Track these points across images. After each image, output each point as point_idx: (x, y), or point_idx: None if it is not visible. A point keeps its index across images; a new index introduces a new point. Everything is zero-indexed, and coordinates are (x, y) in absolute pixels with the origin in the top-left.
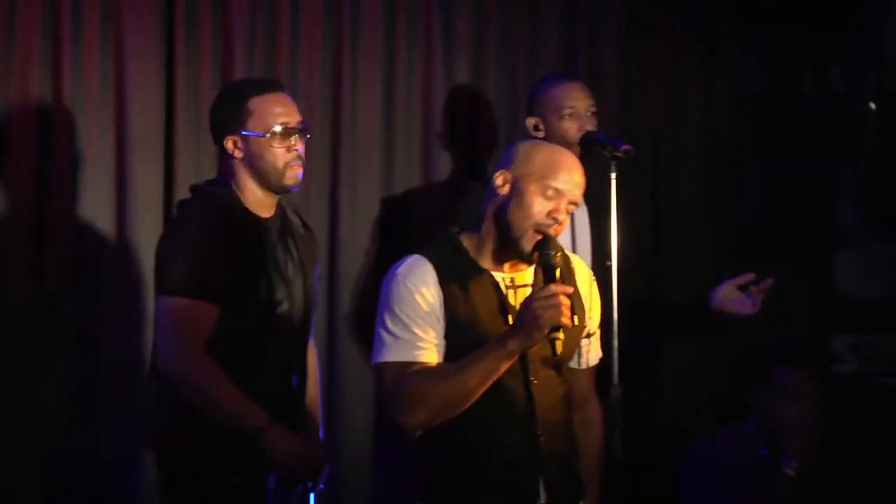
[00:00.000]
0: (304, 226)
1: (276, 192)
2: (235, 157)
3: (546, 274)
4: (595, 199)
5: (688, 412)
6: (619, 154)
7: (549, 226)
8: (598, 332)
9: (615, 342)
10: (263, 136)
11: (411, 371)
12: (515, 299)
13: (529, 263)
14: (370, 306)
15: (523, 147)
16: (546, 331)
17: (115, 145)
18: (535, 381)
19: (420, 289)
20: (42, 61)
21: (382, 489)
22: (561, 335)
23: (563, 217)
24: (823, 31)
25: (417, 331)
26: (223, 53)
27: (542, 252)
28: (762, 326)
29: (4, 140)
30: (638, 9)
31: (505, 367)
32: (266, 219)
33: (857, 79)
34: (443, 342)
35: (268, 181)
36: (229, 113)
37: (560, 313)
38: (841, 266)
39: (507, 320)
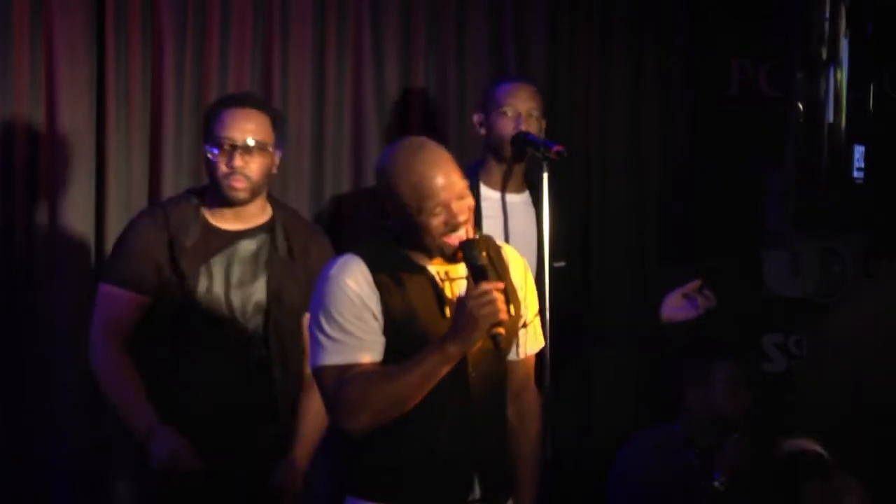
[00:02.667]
0: (290, 252)
1: (227, 204)
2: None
3: (475, 275)
4: (538, 198)
5: (617, 412)
6: (550, 155)
7: (454, 233)
8: (536, 321)
9: (546, 342)
10: (210, 150)
11: (352, 374)
12: (452, 292)
13: (458, 262)
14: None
15: (391, 170)
16: (486, 329)
17: (47, 145)
18: (474, 374)
19: (353, 288)
20: None
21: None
22: (502, 330)
23: (463, 218)
24: (750, 32)
25: (354, 331)
26: (153, 54)
27: (466, 254)
28: (692, 328)
29: None
30: (565, 10)
31: (446, 370)
32: (225, 230)
33: (784, 79)
34: (381, 339)
35: (216, 192)
36: (206, 123)
37: (497, 309)
38: (768, 266)
39: (444, 313)
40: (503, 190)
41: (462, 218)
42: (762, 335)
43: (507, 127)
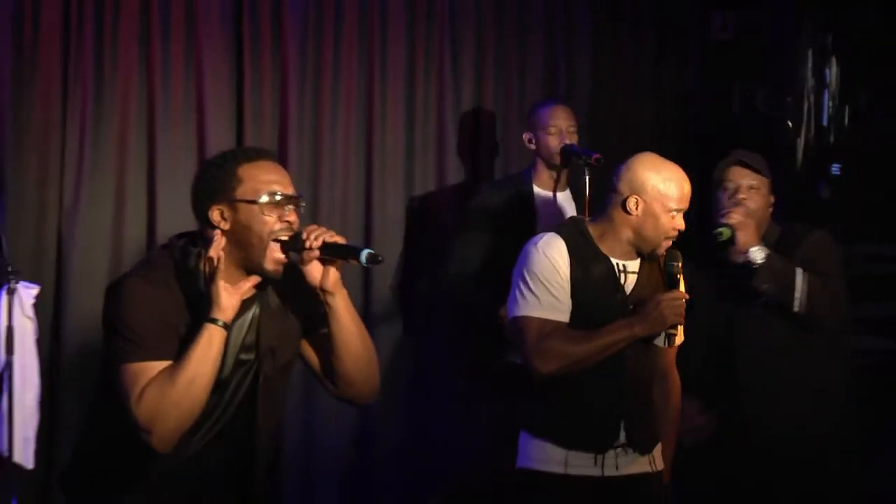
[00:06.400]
0: (282, 303)
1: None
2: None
3: (670, 280)
4: (576, 194)
5: None
6: (591, 162)
7: (676, 236)
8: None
9: None
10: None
11: (551, 328)
12: (626, 281)
13: (651, 261)
14: (399, 288)
15: (643, 173)
16: (667, 326)
17: (196, 150)
18: (631, 351)
19: (556, 259)
20: (139, 82)
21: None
22: (678, 332)
23: (680, 228)
24: (750, 61)
25: (555, 293)
26: (280, 78)
27: (668, 262)
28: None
29: (111, 142)
30: (605, 41)
31: (625, 345)
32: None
33: (778, 102)
34: (570, 305)
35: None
36: (234, 177)
37: (681, 315)
38: None
39: (616, 297)
40: (553, 190)
41: (681, 226)
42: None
43: (553, 143)
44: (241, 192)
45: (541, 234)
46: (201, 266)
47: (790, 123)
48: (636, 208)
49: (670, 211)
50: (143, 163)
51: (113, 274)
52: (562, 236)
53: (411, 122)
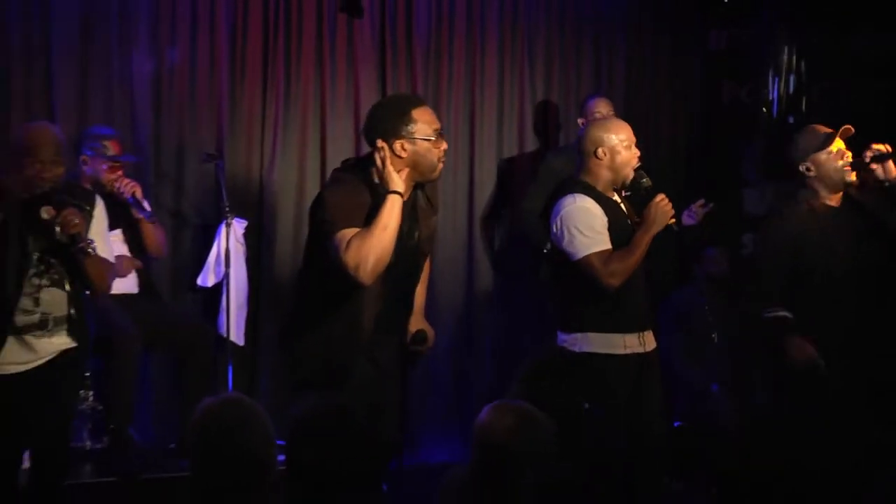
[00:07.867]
0: (428, 201)
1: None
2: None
3: (649, 190)
4: None
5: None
6: None
7: (637, 164)
8: None
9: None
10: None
11: (607, 255)
12: (626, 210)
13: (626, 189)
14: (488, 221)
15: (596, 132)
16: (669, 219)
17: (354, 136)
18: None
19: (593, 209)
20: (315, 86)
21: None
22: (674, 220)
23: (638, 153)
24: (736, 64)
25: (601, 230)
26: (411, 82)
27: (641, 180)
28: (703, 231)
29: (295, 130)
30: (636, 51)
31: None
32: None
33: (756, 94)
34: (609, 236)
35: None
36: (407, 117)
37: (672, 209)
38: (746, 197)
39: (629, 222)
40: None
41: (637, 154)
42: (742, 234)
43: None
44: (417, 130)
45: (569, 196)
46: (374, 173)
47: (765, 109)
48: (604, 154)
49: (626, 145)
50: (318, 142)
51: (298, 213)
52: (582, 193)
53: (501, 108)
